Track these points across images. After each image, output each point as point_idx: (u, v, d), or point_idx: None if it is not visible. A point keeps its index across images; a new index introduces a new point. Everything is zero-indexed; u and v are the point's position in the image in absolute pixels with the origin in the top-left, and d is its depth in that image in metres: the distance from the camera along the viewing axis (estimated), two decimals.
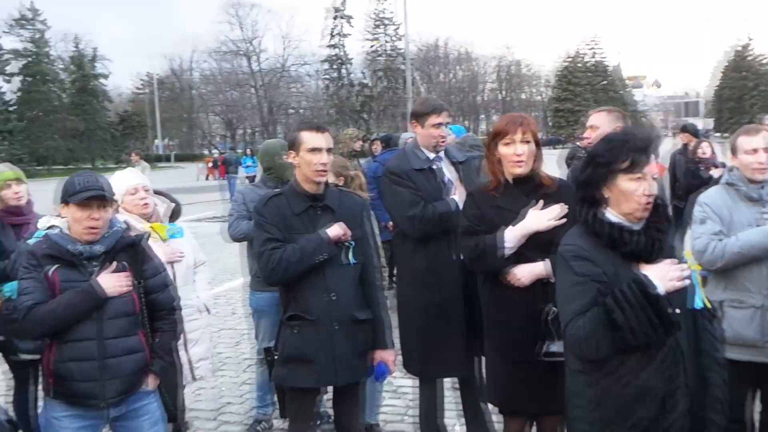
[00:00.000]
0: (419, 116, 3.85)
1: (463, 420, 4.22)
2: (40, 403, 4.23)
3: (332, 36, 67.30)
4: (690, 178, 8.33)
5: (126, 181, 3.94)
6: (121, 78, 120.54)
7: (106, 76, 63.71)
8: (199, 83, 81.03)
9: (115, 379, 2.91)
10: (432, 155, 3.85)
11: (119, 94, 77.60)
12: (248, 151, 27.62)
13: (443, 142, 3.85)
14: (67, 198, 2.88)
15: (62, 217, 2.99)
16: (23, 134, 52.40)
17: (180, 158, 68.95)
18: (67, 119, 56.17)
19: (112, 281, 2.90)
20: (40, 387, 3.66)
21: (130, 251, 3.03)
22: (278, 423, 4.87)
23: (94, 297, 2.85)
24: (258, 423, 4.81)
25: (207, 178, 38.05)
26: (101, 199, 2.88)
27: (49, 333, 2.87)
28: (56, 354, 2.87)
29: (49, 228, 2.99)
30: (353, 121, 63.21)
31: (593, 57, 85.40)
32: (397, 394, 5.39)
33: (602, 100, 70.01)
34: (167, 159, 65.79)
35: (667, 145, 10.95)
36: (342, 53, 67.96)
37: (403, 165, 3.84)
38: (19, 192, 4.18)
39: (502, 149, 3.15)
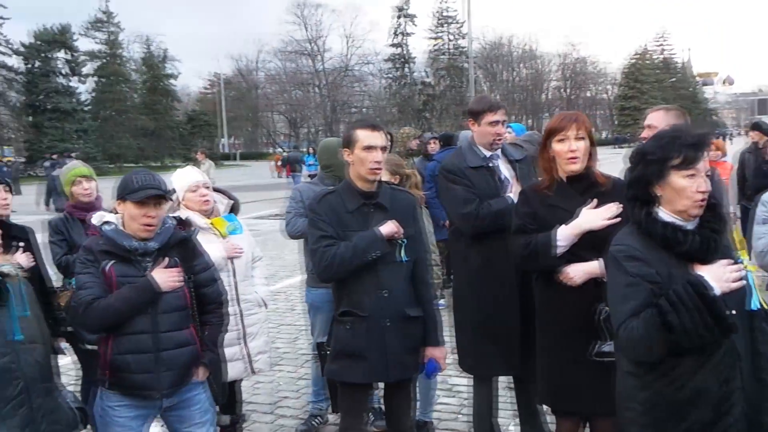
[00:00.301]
0: (475, 114, 3.84)
1: (517, 420, 4.20)
2: None
3: (395, 35, 67.47)
4: (759, 177, 8.04)
5: (187, 178, 4.05)
6: (190, 78, 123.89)
7: (175, 77, 65.44)
8: (264, 83, 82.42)
9: (169, 370, 2.99)
10: (488, 153, 3.83)
11: (187, 94, 79.71)
12: (310, 150, 27.95)
13: (499, 139, 3.83)
14: (124, 195, 2.96)
15: (116, 213, 3.07)
16: (96, 133, 54.24)
17: (245, 156, 70.31)
18: (138, 119, 57.78)
19: (166, 276, 2.98)
20: None
21: (181, 247, 3.11)
22: (333, 418, 4.94)
23: (150, 292, 2.93)
24: (313, 417, 4.87)
25: (280, 176, 38.44)
26: (158, 197, 2.96)
27: (107, 327, 2.95)
28: (113, 347, 2.96)
29: (103, 224, 3.07)
30: (415, 120, 63.22)
31: (662, 53, 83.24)
32: (451, 393, 5.40)
33: (671, 97, 67.96)
34: (233, 157, 67.08)
35: (738, 144, 10.61)
36: (405, 52, 68.06)
37: (459, 163, 3.85)
38: (88, 188, 4.36)
39: (556, 146, 3.13)
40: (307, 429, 4.79)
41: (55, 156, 29.71)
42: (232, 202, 4.30)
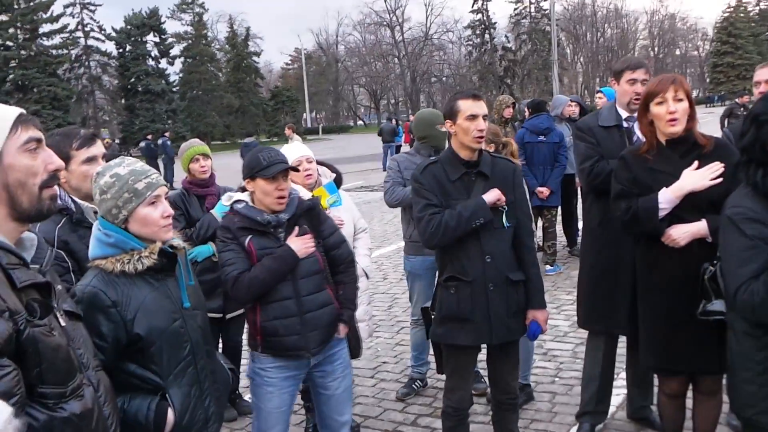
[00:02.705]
0: (616, 72, 3.86)
1: (623, 381, 4.21)
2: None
3: (476, 0, 66.36)
4: None
5: (291, 153, 4.22)
6: (272, 54, 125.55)
7: (258, 54, 66.67)
8: (344, 56, 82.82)
9: (314, 331, 3.19)
10: (625, 114, 3.81)
11: (270, 71, 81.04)
12: (393, 122, 28.04)
13: (638, 100, 3.70)
14: (254, 173, 3.13)
15: (245, 192, 3.26)
16: (185, 113, 55.99)
17: (327, 130, 71.05)
18: (224, 97, 59.23)
19: (300, 244, 3.15)
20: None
21: (308, 215, 3.28)
22: (432, 381, 5.09)
23: (291, 260, 3.12)
24: (413, 381, 5.03)
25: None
26: (285, 171, 3.13)
27: (255, 297, 3.14)
28: (261, 314, 3.16)
29: (234, 203, 3.25)
30: (496, 87, 62.31)
31: (758, 4, 78.28)
32: (547, 357, 5.46)
33: None
34: (315, 132, 68.00)
35: None
36: (485, 18, 66.93)
37: (590, 121, 3.92)
38: (205, 166, 4.60)
39: (655, 109, 3.13)
40: (408, 392, 4.96)
41: (150, 136, 30.85)
42: (335, 175, 4.44)
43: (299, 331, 3.15)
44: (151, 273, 2.37)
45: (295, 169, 3.33)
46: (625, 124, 3.81)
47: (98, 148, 2.83)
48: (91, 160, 2.76)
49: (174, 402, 2.35)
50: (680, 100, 3.09)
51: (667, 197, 3.10)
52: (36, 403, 1.62)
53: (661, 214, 3.11)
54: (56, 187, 1.81)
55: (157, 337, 2.34)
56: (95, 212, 2.62)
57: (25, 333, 1.60)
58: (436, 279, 3.63)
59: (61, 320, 1.76)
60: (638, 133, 3.66)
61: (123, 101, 55.18)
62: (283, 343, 3.16)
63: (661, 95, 3.10)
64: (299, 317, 3.15)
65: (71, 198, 2.76)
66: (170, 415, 2.32)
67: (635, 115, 3.72)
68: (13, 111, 1.74)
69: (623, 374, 4.32)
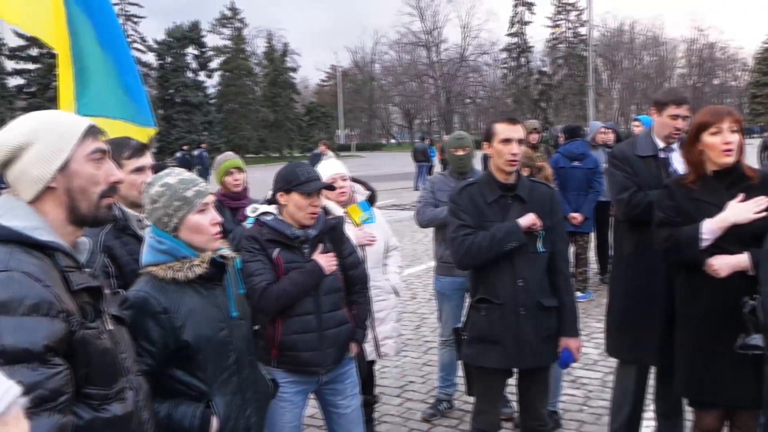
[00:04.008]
0: (659, 104, 3.82)
1: (652, 413, 4.15)
2: None
3: (513, 24, 66.50)
4: None
5: (327, 171, 4.26)
6: (309, 70, 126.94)
7: (295, 70, 67.44)
8: (379, 74, 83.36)
9: (331, 348, 3.22)
10: (662, 144, 3.79)
11: (305, 86, 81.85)
12: (426, 141, 28.14)
13: (677, 134, 3.74)
14: (290, 187, 3.16)
15: (271, 204, 3.30)
16: (221, 125, 56.72)
17: (360, 147, 71.44)
18: (260, 111, 59.88)
19: (326, 261, 3.19)
20: None
21: (332, 233, 3.32)
22: (458, 404, 5.07)
23: (318, 275, 3.15)
24: (440, 402, 5.01)
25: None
26: (322, 188, 3.18)
27: (281, 310, 3.16)
28: (282, 328, 3.18)
29: (261, 215, 3.28)
30: (530, 111, 62.17)
31: None
32: (575, 384, 5.40)
33: None
34: (348, 149, 68.37)
35: None
36: (522, 41, 66.98)
37: (627, 150, 3.88)
38: (238, 179, 4.67)
39: (709, 139, 3.12)
40: (434, 413, 4.94)
41: (185, 147, 31.32)
42: (369, 192, 4.48)
43: (317, 347, 3.17)
44: (201, 281, 2.41)
45: (331, 187, 3.37)
46: (661, 155, 3.79)
47: (147, 159, 2.90)
48: (139, 170, 2.83)
49: (218, 410, 2.38)
50: (735, 131, 3.11)
51: (710, 228, 3.08)
52: (81, 402, 1.68)
53: (703, 244, 3.08)
54: (113, 198, 1.87)
55: (204, 345, 2.38)
56: (139, 220, 2.68)
57: (77, 334, 1.65)
58: (467, 300, 3.64)
59: (108, 324, 1.81)
60: (674, 163, 3.64)
61: (161, 111, 56.07)
62: (299, 358, 3.18)
63: (716, 126, 3.10)
64: (318, 333, 3.18)
65: (118, 205, 2.83)
66: (214, 422, 2.36)
67: (672, 145, 3.73)
68: (85, 122, 1.83)
69: (653, 405, 4.26)
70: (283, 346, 3.18)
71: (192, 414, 2.32)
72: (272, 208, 3.27)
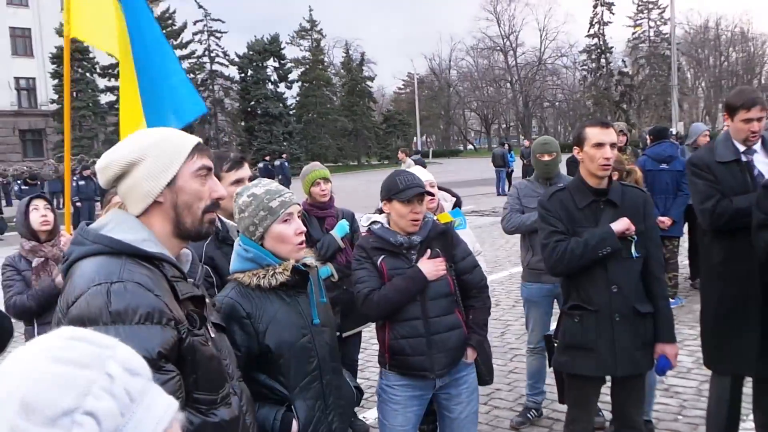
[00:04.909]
0: (730, 109, 3.71)
1: (752, 423, 4.00)
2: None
3: (592, 25, 65.18)
4: None
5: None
6: (385, 79, 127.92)
7: (372, 79, 68.00)
8: (456, 80, 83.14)
9: (440, 353, 3.23)
10: (743, 147, 3.67)
11: (382, 95, 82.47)
12: (505, 146, 27.88)
13: (753, 136, 3.63)
14: (391, 196, 3.22)
15: (381, 214, 3.37)
16: (300, 135, 57.71)
17: (437, 154, 71.34)
18: (338, 120, 60.61)
19: (431, 266, 3.21)
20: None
21: (441, 238, 3.34)
22: (547, 412, 5.00)
23: (420, 281, 3.19)
24: (528, 410, 4.96)
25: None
26: (421, 194, 3.21)
27: (385, 315, 3.24)
28: (390, 332, 3.25)
29: (371, 224, 3.37)
30: (611, 113, 60.70)
31: None
32: (669, 393, 5.25)
33: None
34: (425, 155, 68.40)
35: None
36: (602, 42, 65.55)
37: (706, 157, 3.75)
38: (325, 189, 4.77)
39: None
40: (523, 421, 4.89)
41: (267, 157, 32.04)
42: (455, 199, 4.49)
43: (425, 352, 3.20)
44: (284, 289, 2.48)
45: (430, 194, 3.39)
46: (743, 158, 3.65)
47: (245, 171, 3.01)
48: (238, 181, 2.94)
49: (299, 414, 2.43)
50: None
51: None
52: (190, 408, 1.74)
53: None
54: (215, 213, 1.95)
55: (286, 351, 2.44)
56: (238, 231, 2.79)
57: (186, 341, 1.73)
58: (560, 306, 3.59)
59: (211, 332, 1.89)
60: (758, 165, 3.50)
61: (243, 123, 57.49)
62: (408, 363, 3.21)
63: None
64: (426, 338, 3.20)
65: (218, 217, 2.95)
66: (295, 426, 2.41)
67: (754, 147, 3.59)
68: (193, 139, 1.90)
69: (752, 416, 4.10)
70: (393, 350, 3.24)
71: (273, 417, 2.38)
72: (382, 218, 3.35)
